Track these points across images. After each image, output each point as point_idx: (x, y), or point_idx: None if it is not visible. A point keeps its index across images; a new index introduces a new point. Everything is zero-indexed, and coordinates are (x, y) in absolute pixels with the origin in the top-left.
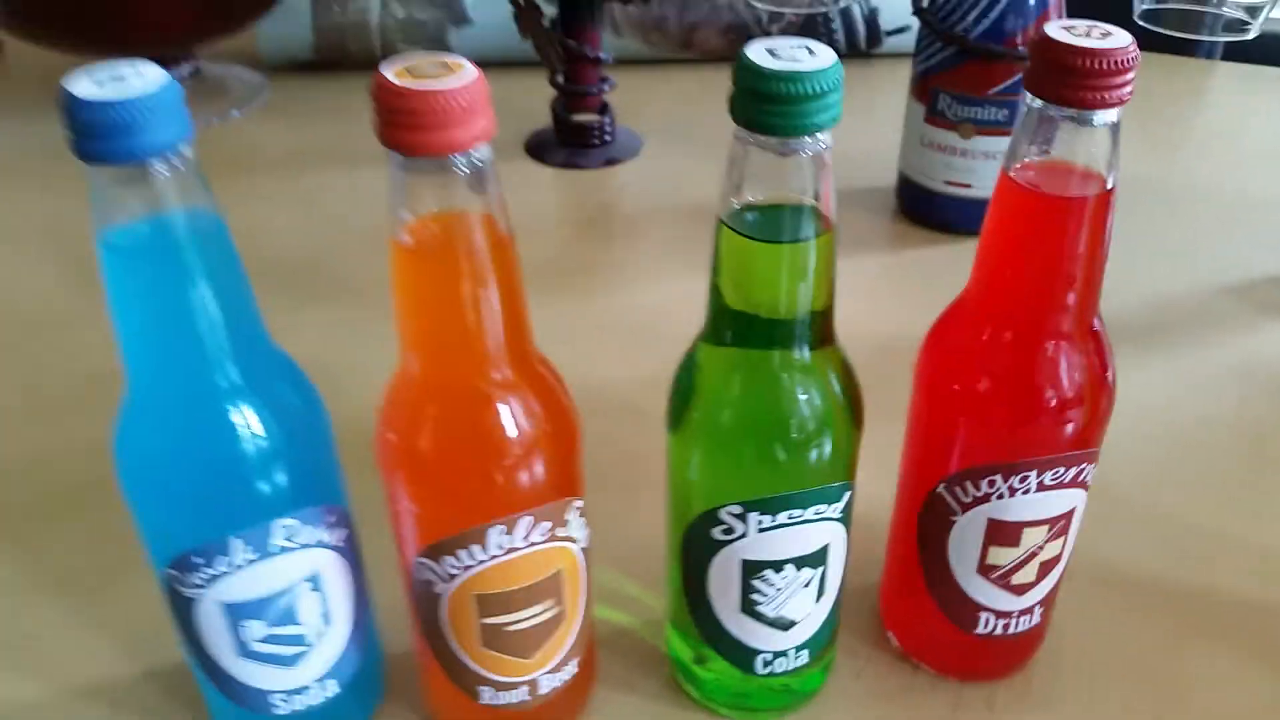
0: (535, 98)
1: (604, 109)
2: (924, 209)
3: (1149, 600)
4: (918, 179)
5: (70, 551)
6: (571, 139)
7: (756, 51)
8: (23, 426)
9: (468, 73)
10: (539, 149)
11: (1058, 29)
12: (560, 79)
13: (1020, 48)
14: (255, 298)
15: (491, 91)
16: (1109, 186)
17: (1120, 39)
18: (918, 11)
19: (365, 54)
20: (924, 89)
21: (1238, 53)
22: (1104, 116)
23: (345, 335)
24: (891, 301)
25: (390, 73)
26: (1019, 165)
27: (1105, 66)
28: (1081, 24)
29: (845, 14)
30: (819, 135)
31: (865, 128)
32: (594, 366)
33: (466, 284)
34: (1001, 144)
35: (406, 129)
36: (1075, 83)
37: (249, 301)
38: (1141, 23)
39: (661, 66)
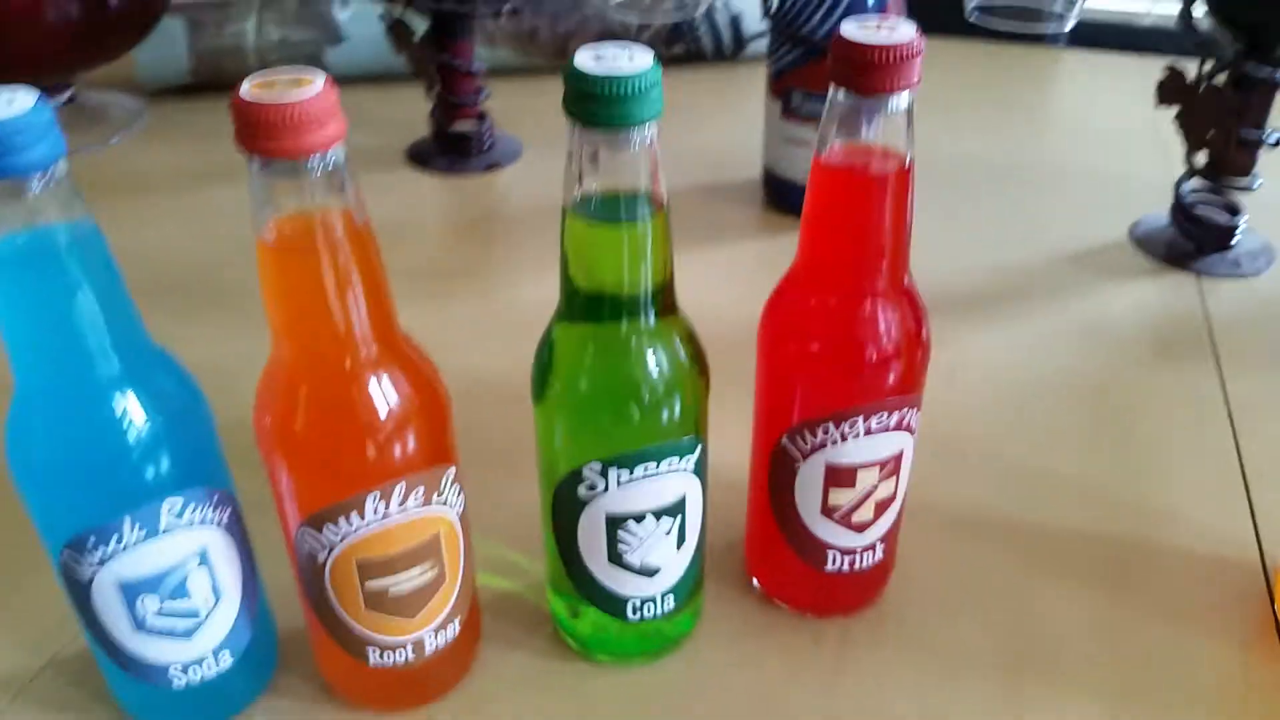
0: (416, 108)
1: (482, 117)
2: (787, 199)
3: (993, 538)
4: (780, 172)
5: None
6: (452, 148)
7: (582, 58)
8: None
9: (317, 85)
10: (421, 157)
11: (852, 26)
12: (436, 91)
13: None
14: (133, 300)
15: (371, 105)
16: (906, 164)
17: (905, 32)
18: (768, 15)
19: (242, 75)
20: (779, 88)
21: (1083, 39)
22: (896, 101)
23: (234, 338)
24: (761, 284)
25: (247, 87)
26: (828, 149)
27: (892, 58)
28: (873, 19)
29: (710, 21)
30: (643, 127)
31: (733, 126)
32: (478, 359)
33: (326, 274)
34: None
35: (261, 137)
36: (868, 73)
37: (126, 303)
38: (973, 20)
39: (539, 75)
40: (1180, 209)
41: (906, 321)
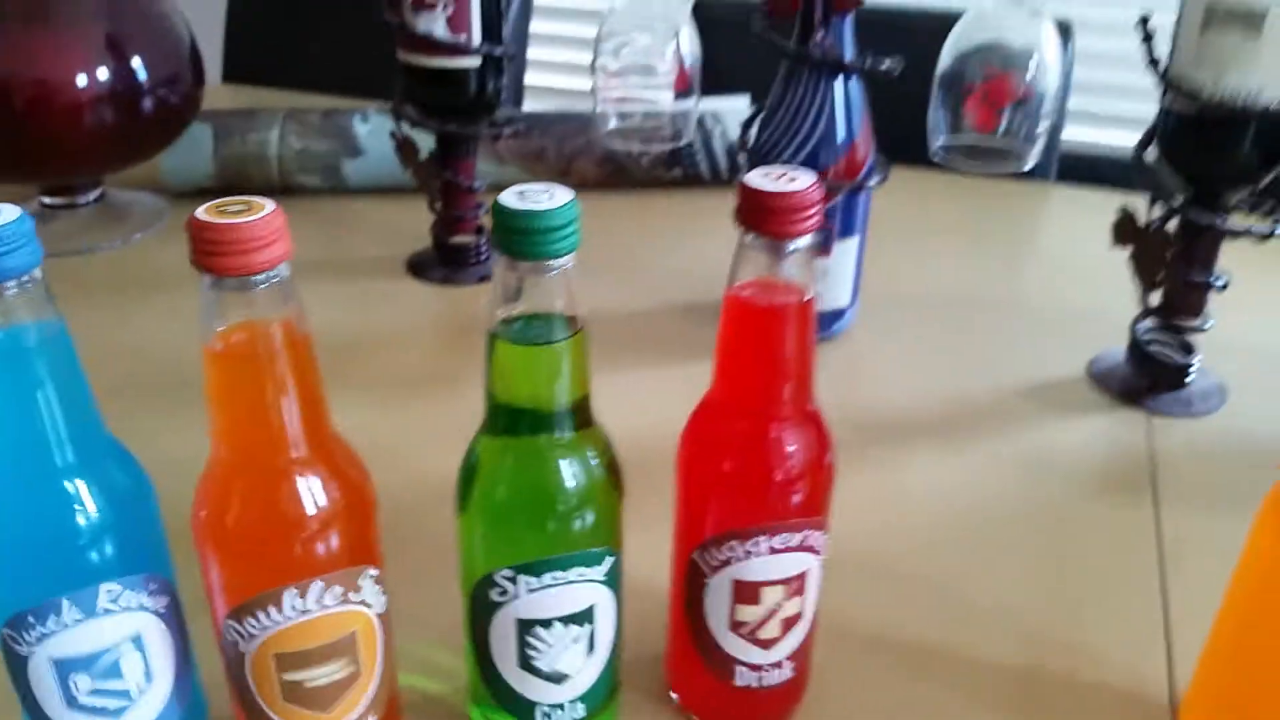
0: (420, 220)
1: (480, 231)
2: None
3: (912, 660)
4: None
5: None
6: (449, 259)
7: (508, 197)
8: None
9: (267, 210)
10: (419, 267)
11: (757, 176)
12: (438, 205)
13: (829, 179)
14: (92, 395)
15: (382, 215)
16: (807, 298)
17: (804, 181)
18: (743, 149)
19: (264, 181)
20: None
21: (1073, 170)
22: (795, 243)
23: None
24: None
25: (202, 212)
26: (737, 284)
27: (790, 204)
28: (776, 169)
29: (707, 146)
30: (561, 258)
31: (720, 249)
32: (442, 462)
33: (264, 379)
34: (816, 264)
35: (212, 255)
36: (768, 218)
37: (85, 398)
38: (937, 159)
39: None
40: (1136, 347)
41: (810, 445)
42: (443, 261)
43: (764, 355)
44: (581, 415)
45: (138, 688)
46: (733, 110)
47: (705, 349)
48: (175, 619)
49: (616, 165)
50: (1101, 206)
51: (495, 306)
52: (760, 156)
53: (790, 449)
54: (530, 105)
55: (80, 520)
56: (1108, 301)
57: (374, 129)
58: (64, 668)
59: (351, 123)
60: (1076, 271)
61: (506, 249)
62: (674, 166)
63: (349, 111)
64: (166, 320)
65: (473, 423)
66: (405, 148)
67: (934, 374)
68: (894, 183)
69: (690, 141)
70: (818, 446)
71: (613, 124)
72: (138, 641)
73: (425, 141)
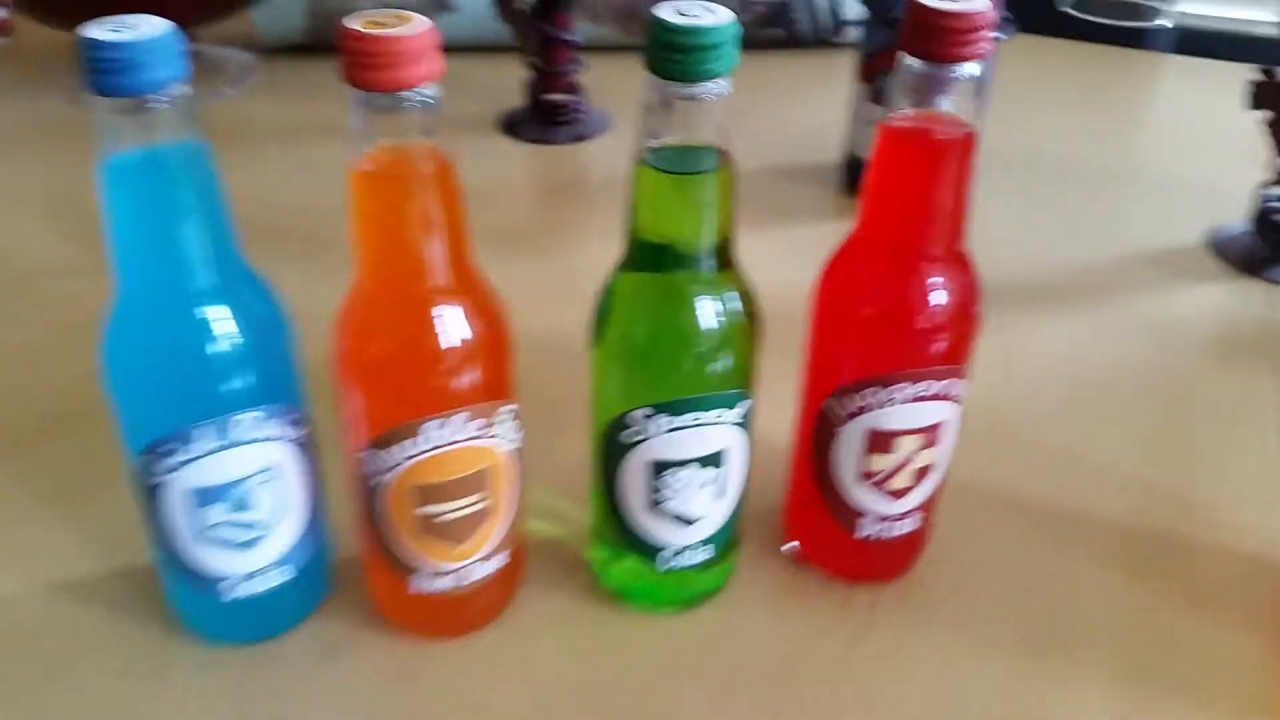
0: (512, 79)
1: (575, 89)
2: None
3: (1031, 520)
4: (861, 154)
5: (52, 469)
6: (544, 117)
7: (665, 10)
8: (13, 363)
9: (419, 23)
10: (513, 125)
11: None
12: (535, 60)
13: None
14: (233, 221)
15: (471, 72)
16: (970, 133)
17: (979, 3)
18: None
19: None
20: (867, 72)
21: (1190, 45)
22: (963, 69)
23: (316, 284)
24: None
25: (354, 22)
26: (896, 116)
27: (963, 26)
28: None
29: (810, 4)
30: (717, 81)
31: (822, 110)
32: (544, 316)
33: (411, 202)
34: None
35: (364, 69)
36: (938, 40)
37: (226, 223)
38: (1068, 10)
39: (637, 52)
40: (1260, 215)
41: (959, 293)
42: (537, 119)
43: (920, 192)
44: (725, 254)
45: (270, 520)
46: None
47: (810, 211)
48: (310, 452)
49: None
50: (1220, 79)
51: (644, 133)
52: (877, 6)
53: (941, 292)
54: None
55: (223, 345)
56: (1227, 173)
57: None
58: (200, 497)
59: None
60: (1195, 142)
61: (660, 68)
62: (773, 26)
63: None
64: (256, 172)
65: (574, 277)
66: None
67: (1053, 239)
68: (1013, 49)
69: None
70: (968, 291)
71: None
72: (273, 472)
73: None
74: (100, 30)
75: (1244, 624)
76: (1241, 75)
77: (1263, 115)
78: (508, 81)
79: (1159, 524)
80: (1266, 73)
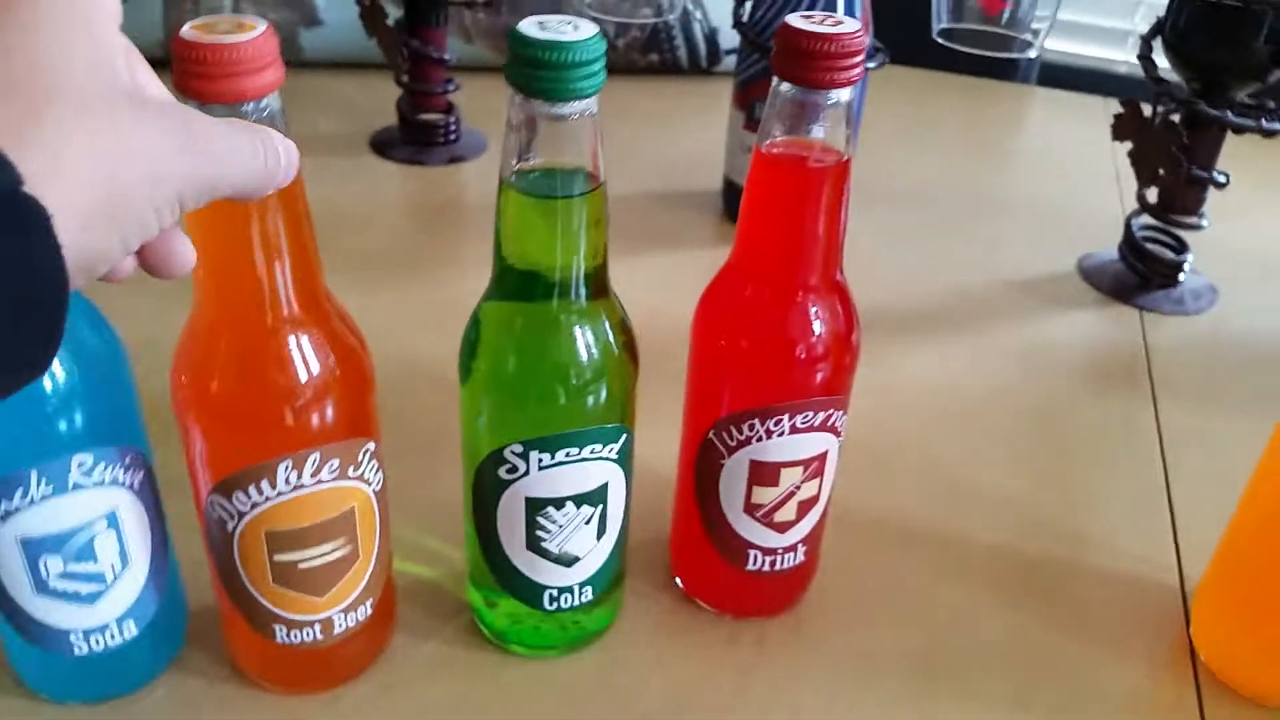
0: (384, 97)
1: (449, 109)
2: None
3: (915, 548)
4: (738, 181)
5: None
6: (416, 137)
7: (528, 25)
8: None
9: (259, 30)
10: (384, 145)
11: (798, 18)
12: (405, 78)
13: None
14: None
15: (341, 90)
16: (844, 158)
17: (849, 26)
18: (737, 25)
19: None
20: (743, 98)
21: (1052, 79)
22: (837, 95)
23: (169, 309)
24: None
25: (189, 30)
26: (769, 143)
27: (835, 49)
28: (819, 13)
29: (687, 32)
30: (584, 100)
31: (700, 137)
32: (416, 345)
33: (253, 225)
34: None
35: (197, 78)
36: (811, 65)
37: None
38: (940, 40)
39: None
40: (1129, 243)
41: (837, 322)
42: (409, 139)
43: (795, 218)
44: (598, 282)
45: (113, 570)
46: None
47: (691, 237)
48: (152, 496)
49: None
50: (1086, 110)
51: (509, 154)
52: (754, 34)
53: (820, 322)
54: None
55: (47, 384)
56: (1094, 202)
57: None
58: (33, 548)
59: None
60: (1064, 172)
61: (522, 85)
62: (651, 52)
63: None
64: None
65: (448, 305)
66: (371, 13)
67: (927, 268)
68: (884, 79)
69: (670, 24)
70: (846, 321)
71: None
72: (112, 520)
73: (392, 11)
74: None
75: (1124, 646)
76: (1106, 108)
77: (1127, 146)
78: (379, 100)
79: (1039, 549)
80: (1128, 105)
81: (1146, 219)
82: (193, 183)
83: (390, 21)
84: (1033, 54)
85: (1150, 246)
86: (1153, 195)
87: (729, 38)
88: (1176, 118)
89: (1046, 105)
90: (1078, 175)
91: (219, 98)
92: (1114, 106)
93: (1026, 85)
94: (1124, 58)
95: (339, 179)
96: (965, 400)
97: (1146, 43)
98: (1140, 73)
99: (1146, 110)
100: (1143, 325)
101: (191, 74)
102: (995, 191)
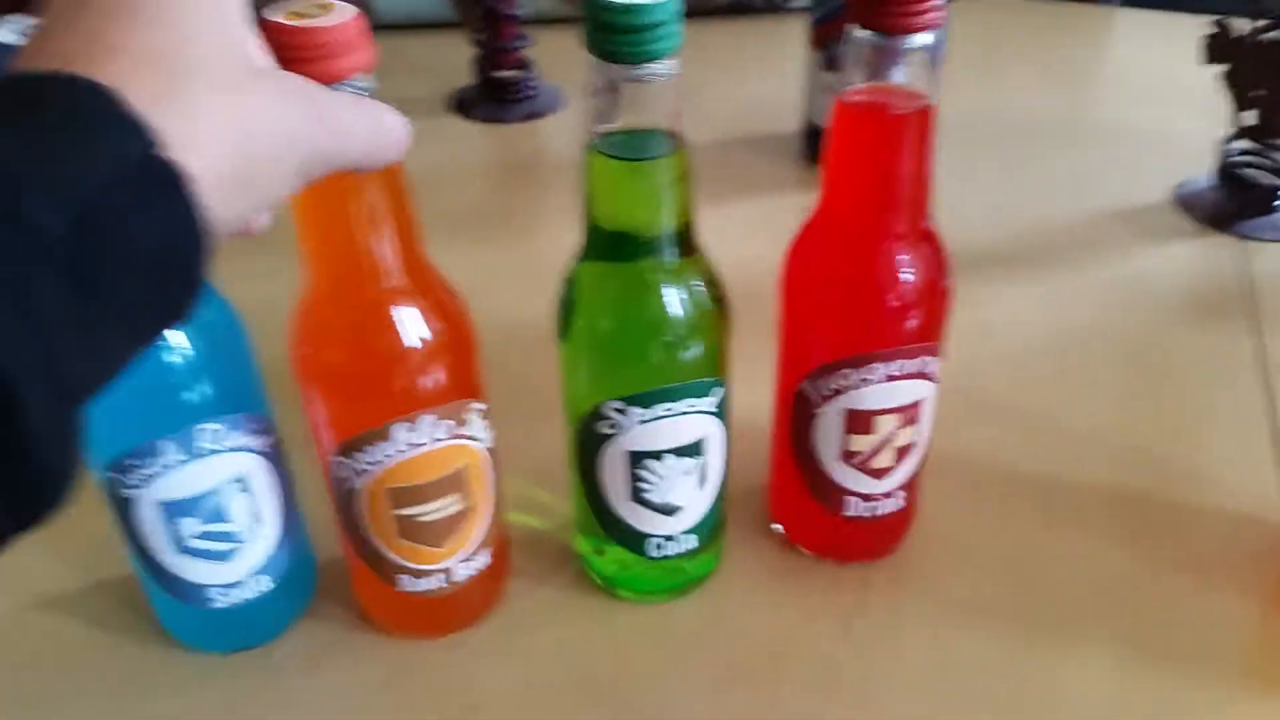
0: (459, 56)
1: (524, 65)
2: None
3: (1016, 491)
4: (818, 123)
5: None
6: (494, 95)
7: None
8: None
9: (343, 10)
10: (463, 104)
11: None
12: (480, 37)
13: None
14: None
15: (416, 52)
16: (927, 104)
17: None
18: None
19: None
20: (819, 38)
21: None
22: (916, 39)
23: (275, 278)
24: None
25: (275, 13)
26: (849, 91)
27: None
28: None
29: None
30: (663, 61)
31: (776, 79)
32: (510, 302)
33: (355, 203)
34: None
35: (290, 64)
36: (886, 10)
37: None
38: None
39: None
40: (1225, 170)
41: (928, 267)
42: (487, 97)
43: (880, 167)
44: (686, 240)
45: (246, 529)
46: None
47: (772, 182)
48: (278, 459)
49: None
50: (1174, 30)
51: (592, 118)
52: None
53: (910, 270)
54: None
55: (176, 359)
56: (1188, 127)
57: None
58: (171, 510)
59: None
60: (1154, 96)
61: (601, 50)
62: None
63: None
64: None
65: (536, 261)
66: None
67: (1017, 202)
68: (964, 9)
69: None
70: (937, 267)
71: None
72: (242, 482)
73: None
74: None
75: (1235, 584)
76: (1195, 26)
77: (1219, 68)
78: (454, 60)
79: (1144, 488)
80: (1219, 25)
81: (1244, 143)
82: (318, 154)
83: None
84: None
85: (1246, 172)
86: (1250, 118)
87: None
88: (1273, 36)
89: (1133, 26)
90: (1169, 99)
91: (314, 80)
92: (1203, 25)
93: (1110, 6)
94: None
95: (420, 140)
96: (1061, 338)
97: None
98: None
99: (1240, 29)
100: (1244, 253)
101: (285, 60)
102: (1083, 120)
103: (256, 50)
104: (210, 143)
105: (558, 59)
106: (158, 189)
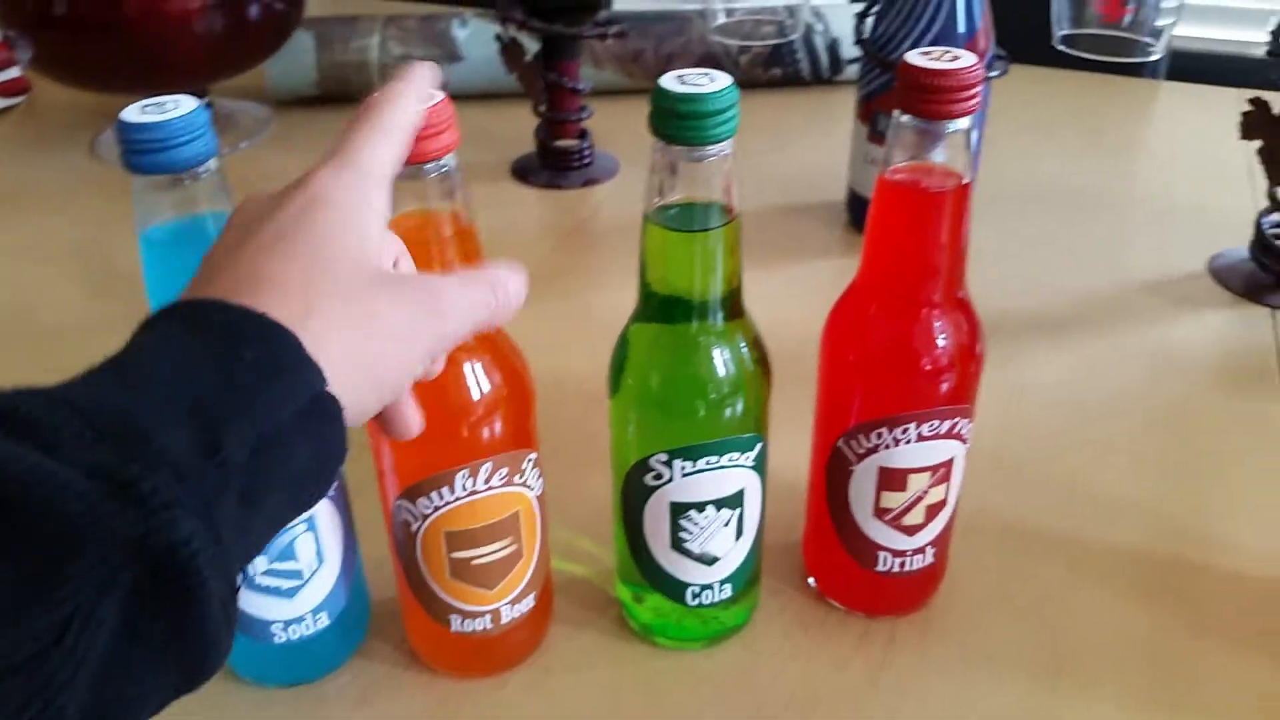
0: (521, 125)
1: (583, 134)
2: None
3: (1045, 551)
4: (862, 192)
5: None
6: (553, 162)
7: (669, 80)
8: None
9: (437, 99)
10: (523, 171)
11: (916, 55)
12: (542, 108)
13: None
14: None
15: (482, 121)
16: (964, 182)
17: (965, 61)
18: (859, 42)
19: (366, 88)
20: (866, 111)
21: (1180, 72)
22: (954, 125)
23: None
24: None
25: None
26: (892, 169)
27: (952, 84)
28: (938, 50)
29: (809, 46)
30: (720, 144)
31: (825, 148)
32: (563, 359)
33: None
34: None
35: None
36: (929, 99)
37: None
38: (1060, 47)
39: (640, 96)
40: (1260, 242)
41: (961, 334)
42: (547, 165)
43: (919, 242)
44: (734, 304)
45: (310, 568)
46: (835, 7)
47: (817, 248)
48: (343, 501)
49: (714, 66)
50: (1215, 103)
51: (651, 192)
52: (875, 50)
53: (943, 336)
54: (624, 4)
55: None
56: (1226, 199)
57: (472, 34)
58: None
59: (450, 27)
60: (1193, 168)
61: (665, 133)
62: (773, 66)
63: (447, 16)
64: None
65: (590, 320)
66: (511, 50)
67: (1053, 269)
68: (1008, 80)
69: (793, 39)
70: (970, 334)
71: (720, 19)
72: (310, 523)
73: (529, 45)
74: (136, 113)
75: (1254, 649)
76: (1236, 99)
77: (1257, 143)
78: (517, 129)
79: (1168, 551)
80: (1256, 102)
81: (1278, 216)
82: (438, 341)
83: (528, 57)
84: (1155, 55)
85: None
86: None
87: (850, 48)
88: None
89: (1174, 99)
90: (1207, 171)
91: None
92: (1243, 98)
93: (1153, 80)
94: (1262, 38)
95: (483, 205)
96: (1093, 403)
97: (1276, 38)
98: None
99: (1276, 107)
100: (1276, 326)
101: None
102: (1122, 190)
103: (395, 254)
104: (333, 357)
105: (614, 128)
106: (319, 421)
